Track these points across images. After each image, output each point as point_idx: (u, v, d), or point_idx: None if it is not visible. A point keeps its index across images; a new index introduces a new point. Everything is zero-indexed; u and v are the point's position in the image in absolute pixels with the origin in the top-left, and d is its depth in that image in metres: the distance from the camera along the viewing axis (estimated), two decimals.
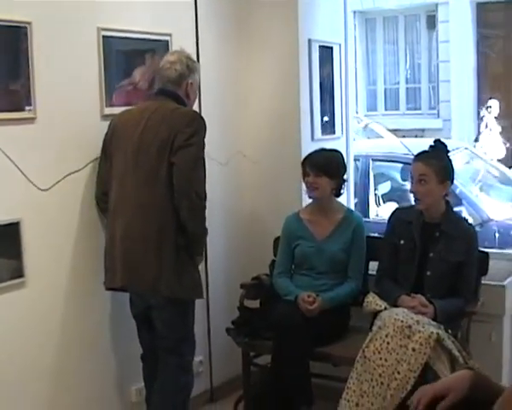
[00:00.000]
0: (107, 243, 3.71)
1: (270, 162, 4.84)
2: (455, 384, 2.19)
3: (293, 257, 4.31)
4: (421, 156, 3.94)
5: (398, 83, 15.56)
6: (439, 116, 15.05)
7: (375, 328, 3.60)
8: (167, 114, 3.61)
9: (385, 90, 15.73)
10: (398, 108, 15.62)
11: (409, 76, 15.50)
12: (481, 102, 14.60)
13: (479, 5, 14.47)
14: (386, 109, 15.66)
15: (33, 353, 3.54)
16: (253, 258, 4.79)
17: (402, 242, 3.96)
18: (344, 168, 4.31)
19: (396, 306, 3.76)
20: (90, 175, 3.80)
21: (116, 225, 3.63)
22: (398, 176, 7.83)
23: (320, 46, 4.84)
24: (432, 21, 15.01)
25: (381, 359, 3.50)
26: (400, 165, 7.84)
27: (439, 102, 15.06)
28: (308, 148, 4.70)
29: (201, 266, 4.03)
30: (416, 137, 14.06)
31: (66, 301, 3.71)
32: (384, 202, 7.50)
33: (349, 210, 4.43)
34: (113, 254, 3.65)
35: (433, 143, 4.02)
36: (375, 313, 3.81)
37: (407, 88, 15.49)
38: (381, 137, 9.41)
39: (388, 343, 3.50)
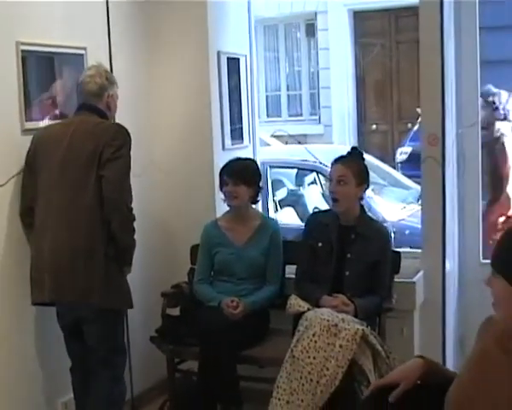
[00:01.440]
0: (34, 257, 3.71)
1: (183, 172, 4.93)
2: (407, 373, 2.37)
3: (213, 264, 4.42)
4: (340, 159, 4.14)
5: (280, 89, 15.87)
6: (320, 122, 15.46)
7: (301, 328, 3.75)
8: (91, 128, 3.69)
9: (266, 97, 16.01)
10: (280, 115, 15.94)
11: (289, 83, 15.83)
12: (361, 107, 15.15)
13: (356, 14, 14.97)
14: (268, 116, 15.95)
15: None
16: (170, 267, 4.86)
17: (320, 244, 4.13)
18: (259, 176, 4.46)
19: (318, 306, 3.93)
20: (12, 190, 3.78)
21: (43, 240, 3.64)
22: (290, 182, 8.08)
23: (228, 58, 4.97)
24: (311, 29, 15.42)
25: (309, 357, 3.65)
26: (295, 171, 8.11)
27: (320, 107, 15.48)
28: (219, 157, 4.85)
29: None
30: (299, 143, 14.46)
31: None
32: (281, 208, 7.70)
33: (265, 216, 4.59)
34: (40, 269, 3.65)
35: (349, 150, 4.25)
36: (297, 315, 3.96)
37: (288, 95, 15.83)
38: (268, 144, 9.61)
39: (316, 342, 3.66)
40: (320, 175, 7.90)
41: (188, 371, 4.38)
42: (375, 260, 4.05)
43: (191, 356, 4.20)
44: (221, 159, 4.79)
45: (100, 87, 3.81)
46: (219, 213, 4.71)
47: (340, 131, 14.98)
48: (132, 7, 4.71)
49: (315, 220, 4.27)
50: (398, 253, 4.28)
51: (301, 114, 15.78)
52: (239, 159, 4.51)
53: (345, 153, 4.26)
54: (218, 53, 4.86)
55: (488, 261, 4.61)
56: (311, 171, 7.90)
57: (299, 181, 8.04)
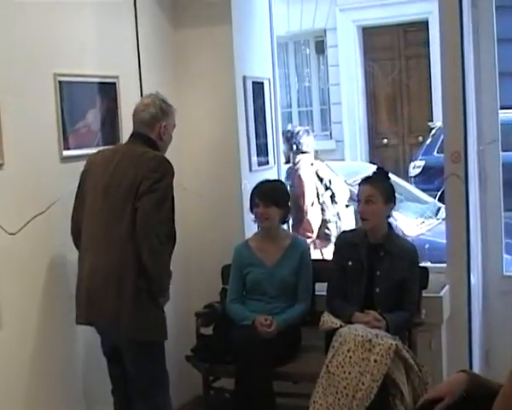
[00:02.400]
0: (78, 279, 3.80)
1: (212, 195, 5.06)
2: (451, 387, 2.48)
3: (245, 284, 4.54)
4: (368, 179, 4.28)
5: (291, 106, 16.02)
6: (331, 137, 15.61)
7: (336, 344, 3.86)
8: (135, 157, 3.71)
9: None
10: None
11: (300, 99, 15.97)
12: (371, 122, 15.28)
13: (365, 30, 15.14)
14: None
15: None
16: (202, 288, 4.98)
17: (350, 263, 4.26)
18: (288, 196, 4.60)
19: (350, 323, 4.05)
20: (53, 216, 3.92)
21: (84, 263, 3.74)
22: None
23: (253, 82, 5.11)
24: (321, 46, 15.59)
25: (344, 372, 3.77)
26: None
27: (331, 123, 15.63)
28: (247, 179, 4.98)
29: None
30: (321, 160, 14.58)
31: (37, 338, 3.82)
32: None
33: (295, 236, 4.71)
34: (80, 290, 3.75)
35: (375, 170, 4.39)
36: (330, 331, 4.08)
37: (299, 111, 15.97)
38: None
39: (351, 357, 3.78)
40: None
41: (221, 389, 4.50)
42: (403, 277, 4.17)
43: (226, 374, 4.32)
44: (249, 180, 4.93)
45: (152, 117, 3.81)
46: (248, 234, 4.84)
47: (352, 147, 15.12)
48: (160, 36, 4.87)
49: (344, 240, 4.40)
50: (426, 269, 4.40)
51: (313, 130, 15.88)
52: (268, 181, 4.66)
53: (371, 173, 4.40)
54: (244, 78, 5.00)
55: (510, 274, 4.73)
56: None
57: None
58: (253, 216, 4.58)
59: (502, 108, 4.97)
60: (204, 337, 4.50)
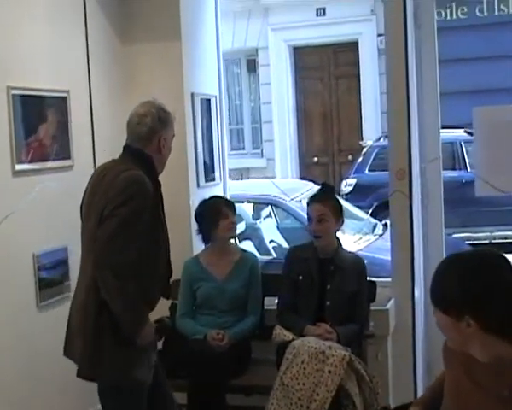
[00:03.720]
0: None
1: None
2: None
3: (195, 298, 4.57)
4: (318, 198, 4.36)
5: None
6: (262, 155, 15.77)
7: (290, 356, 3.93)
8: (113, 177, 3.31)
9: None
10: None
11: (231, 117, 16.07)
12: (302, 141, 15.49)
13: (296, 49, 15.37)
14: None
15: None
16: None
17: (300, 277, 4.34)
18: None
19: (302, 335, 4.13)
20: (5, 231, 3.89)
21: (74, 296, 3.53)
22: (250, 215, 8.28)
23: (201, 99, 5.16)
24: (252, 65, 15.75)
25: (298, 384, 3.84)
26: (251, 205, 8.32)
27: (263, 141, 15.78)
28: (194, 195, 5.02)
29: None
30: (241, 176, 14.71)
31: None
32: (240, 241, 7.88)
33: (244, 250, 4.77)
34: (67, 329, 3.51)
35: (322, 187, 4.49)
36: (282, 344, 4.14)
37: (230, 129, 16.07)
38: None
39: (305, 369, 3.85)
40: (275, 208, 8.15)
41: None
42: (353, 290, 4.27)
43: (178, 388, 4.32)
44: (196, 196, 4.97)
45: (150, 129, 3.40)
46: (196, 249, 4.87)
47: (283, 165, 15.30)
48: (110, 51, 4.88)
49: (294, 254, 4.47)
50: (374, 282, 4.51)
51: (244, 148, 16.04)
52: (217, 196, 4.71)
53: (317, 191, 4.51)
54: (192, 94, 5.04)
55: None
56: (267, 204, 8.12)
57: (256, 215, 8.25)
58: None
59: (443, 127, 5.13)
60: None
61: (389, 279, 4.91)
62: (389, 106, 4.85)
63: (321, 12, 14.73)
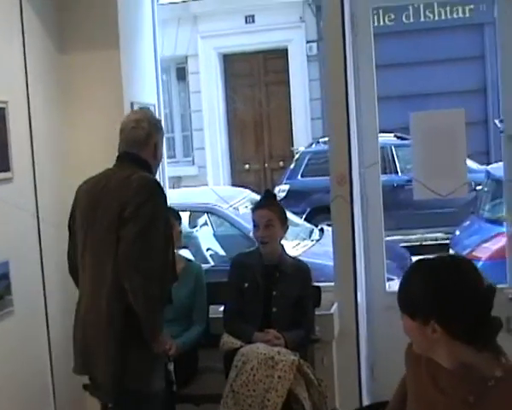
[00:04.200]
0: (74, 325, 3.55)
1: None
2: None
3: None
4: (263, 204, 4.38)
5: None
6: (194, 163, 15.74)
7: (239, 363, 3.94)
8: (121, 181, 3.34)
9: None
10: None
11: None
12: (233, 148, 15.52)
13: (226, 57, 15.41)
14: None
15: None
16: None
17: (246, 284, 4.35)
18: None
19: (250, 342, 4.13)
20: None
21: (81, 307, 3.48)
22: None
23: (140, 108, 5.12)
24: (182, 73, 15.71)
25: (249, 390, 3.85)
26: (187, 213, 8.30)
27: (194, 149, 15.76)
28: None
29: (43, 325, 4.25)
30: (173, 185, 14.66)
31: None
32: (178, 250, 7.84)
33: (188, 259, 4.75)
34: (75, 339, 3.52)
35: (266, 194, 4.52)
36: (230, 352, 4.15)
37: None
38: None
39: (255, 375, 3.87)
40: (211, 216, 8.16)
41: None
42: (298, 296, 4.30)
43: None
44: None
45: (146, 134, 3.45)
46: None
47: (215, 172, 15.31)
48: (48, 60, 4.79)
49: (239, 262, 4.48)
50: (319, 287, 4.56)
51: (175, 156, 15.99)
52: None
53: (260, 198, 4.55)
54: (132, 104, 5.00)
55: (392, 290, 4.98)
56: (204, 212, 8.13)
57: (193, 223, 8.24)
58: None
59: (381, 131, 5.21)
60: None
61: (332, 284, 4.96)
62: (328, 112, 4.91)
63: (250, 19, 14.81)
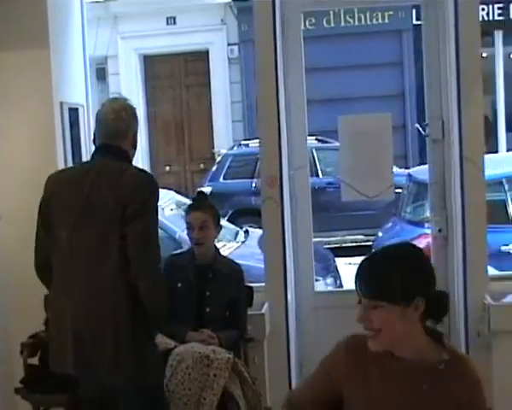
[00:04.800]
0: (54, 322, 3.45)
1: (30, 223, 4.89)
2: None
3: None
4: (197, 205, 4.41)
5: None
6: None
7: (174, 363, 3.94)
8: (114, 177, 3.28)
9: None
10: None
11: None
12: (153, 150, 15.46)
13: (146, 58, 15.36)
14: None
15: None
16: (24, 317, 4.84)
17: (179, 285, 4.36)
18: None
19: (184, 342, 4.16)
20: None
21: (63, 309, 3.35)
22: None
23: (69, 108, 5.09)
24: (102, 74, 15.57)
25: (184, 389, 3.87)
26: None
27: None
28: None
29: None
30: None
31: None
32: None
33: None
34: (62, 341, 3.38)
35: (198, 195, 4.56)
36: (164, 352, 4.15)
37: None
38: None
39: (190, 374, 3.89)
40: None
41: None
42: (232, 296, 4.35)
43: (58, 403, 4.25)
44: None
45: (127, 125, 3.39)
46: None
47: None
48: None
49: (172, 262, 4.48)
50: (251, 288, 4.62)
51: None
52: None
53: (193, 199, 4.58)
54: (61, 104, 4.97)
55: (320, 290, 5.06)
56: None
57: None
58: None
59: (310, 134, 5.30)
60: (32, 368, 4.39)
61: (262, 284, 5.01)
62: (259, 115, 4.97)
63: (171, 21, 14.82)
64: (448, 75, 4.90)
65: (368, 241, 11.05)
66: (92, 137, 3.56)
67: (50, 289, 3.49)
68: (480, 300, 4.69)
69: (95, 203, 3.24)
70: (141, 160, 15.15)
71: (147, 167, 15.44)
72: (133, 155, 3.48)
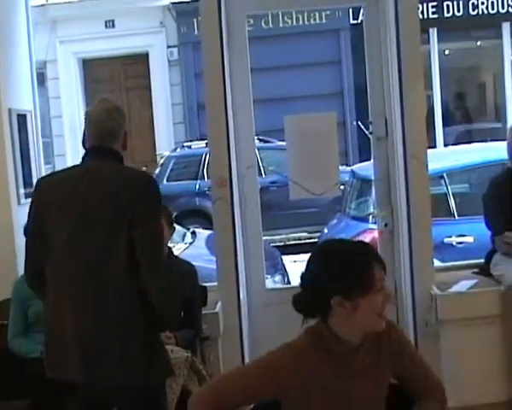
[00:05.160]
0: (52, 333, 3.30)
1: None
2: None
3: (27, 318, 4.51)
4: None
5: None
6: (54, 169, 15.48)
7: None
8: (114, 179, 3.20)
9: None
10: None
11: None
12: None
13: (85, 62, 15.28)
14: None
15: None
16: None
17: None
18: None
19: None
20: None
21: (63, 316, 3.21)
22: None
23: (18, 114, 5.09)
24: (41, 78, 15.41)
25: None
26: None
27: (54, 156, 15.50)
28: (16, 212, 4.95)
29: None
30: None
31: None
32: None
33: None
34: (62, 343, 3.24)
35: None
36: None
37: None
38: None
39: None
40: None
41: None
42: (187, 296, 4.40)
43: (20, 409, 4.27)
44: (17, 214, 4.91)
45: (119, 124, 3.32)
46: (21, 268, 4.79)
47: None
48: None
49: None
50: (205, 287, 4.69)
51: None
52: None
53: None
54: (10, 110, 4.97)
55: (271, 287, 5.14)
56: None
57: None
58: None
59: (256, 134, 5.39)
60: None
61: (215, 284, 5.08)
62: (208, 116, 5.02)
63: (110, 24, 14.78)
64: (390, 74, 5.05)
65: (312, 238, 11.20)
66: (82, 139, 3.42)
67: (45, 297, 3.34)
68: (427, 290, 4.85)
69: (96, 205, 3.16)
70: None
71: None
72: (124, 155, 3.42)
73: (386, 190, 5.23)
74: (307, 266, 2.64)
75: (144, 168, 15.16)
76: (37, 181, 3.50)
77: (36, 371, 4.13)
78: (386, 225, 5.20)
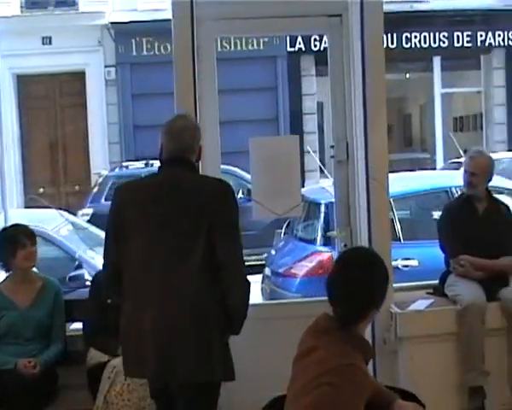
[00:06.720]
0: (126, 328, 3.47)
1: None
2: None
3: None
4: None
5: None
6: None
7: (111, 375, 4.07)
8: (193, 185, 3.41)
9: None
10: None
11: None
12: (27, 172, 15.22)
13: (20, 78, 15.13)
14: None
15: None
16: None
17: (109, 301, 4.46)
18: None
19: (117, 356, 4.25)
20: None
21: (143, 316, 3.34)
22: None
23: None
24: None
25: (123, 400, 4.01)
26: None
27: None
28: None
29: None
30: None
31: None
32: None
33: (46, 278, 4.78)
34: (141, 349, 3.37)
35: None
36: (95, 366, 4.27)
37: None
38: None
39: (129, 385, 4.02)
40: None
41: None
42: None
43: None
44: None
45: (196, 139, 3.55)
46: None
47: (9, 196, 14.88)
48: None
49: (99, 279, 4.59)
50: None
51: None
52: (17, 225, 4.71)
53: None
54: None
55: None
56: None
57: None
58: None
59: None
60: None
61: None
62: None
63: (47, 41, 14.72)
64: (352, 99, 5.23)
65: (249, 260, 11.29)
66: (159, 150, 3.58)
67: (123, 299, 3.48)
68: (387, 309, 5.02)
69: (176, 210, 3.33)
70: (14, 182, 14.92)
71: (20, 190, 15.24)
72: (197, 166, 3.66)
73: (345, 212, 5.39)
74: (345, 276, 2.83)
75: (77, 187, 15.23)
76: (117, 187, 3.63)
77: (9, 383, 4.18)
78: (345, 245, 5.37)
